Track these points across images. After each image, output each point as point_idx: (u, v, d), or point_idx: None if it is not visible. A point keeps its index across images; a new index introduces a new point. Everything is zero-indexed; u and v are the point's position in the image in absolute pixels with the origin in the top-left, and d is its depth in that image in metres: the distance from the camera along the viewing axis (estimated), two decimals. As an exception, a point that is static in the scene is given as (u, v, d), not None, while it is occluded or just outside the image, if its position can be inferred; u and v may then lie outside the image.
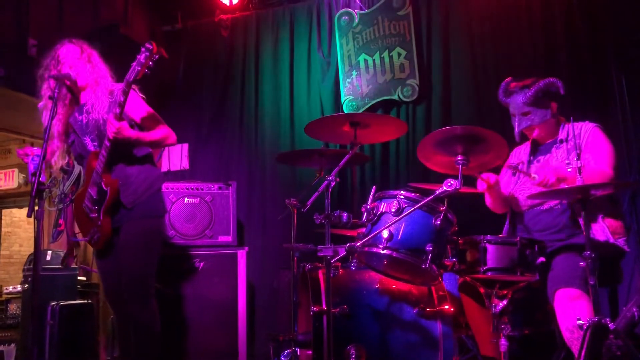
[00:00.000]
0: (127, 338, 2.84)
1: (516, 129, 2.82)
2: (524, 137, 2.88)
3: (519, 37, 4.18)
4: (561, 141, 2.75)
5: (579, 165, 2.24)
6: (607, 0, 3.90)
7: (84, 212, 2.86)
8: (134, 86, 2.83)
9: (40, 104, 2.83)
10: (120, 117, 2.60)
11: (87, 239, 2.84)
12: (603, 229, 2.52)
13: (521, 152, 2.96)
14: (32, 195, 2.37)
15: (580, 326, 2.06)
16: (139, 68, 2.50)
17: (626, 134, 3.71)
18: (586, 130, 2.72)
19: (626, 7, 3.82)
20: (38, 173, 2.42)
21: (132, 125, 2.77)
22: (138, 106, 2.82)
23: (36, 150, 2.73)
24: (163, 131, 2.84)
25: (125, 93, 2.56)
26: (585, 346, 1.98)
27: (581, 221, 2.41)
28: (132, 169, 2.82)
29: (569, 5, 4.04)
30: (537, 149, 2.88)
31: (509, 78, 2.86)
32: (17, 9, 4.24)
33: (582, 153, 2.60)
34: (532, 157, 2.87)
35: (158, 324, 2.79)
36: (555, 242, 2.55)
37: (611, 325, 1.95)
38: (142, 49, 2.47)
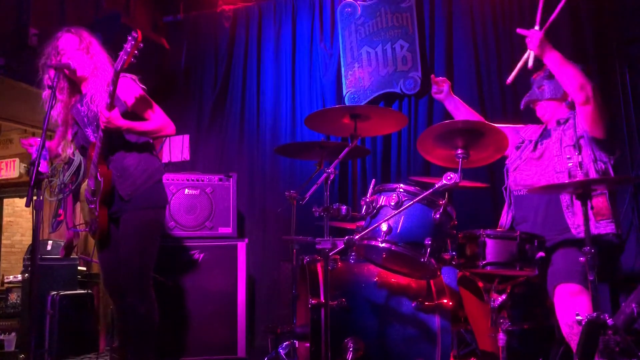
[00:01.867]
0: (126, 328, 2.84)
1: (524, 99, 2.82)
2: (530, 110, 2.87)
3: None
4: (558, 122, 2.72)
5: (579, 160, 2.22)
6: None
7: (87, 204, 2.87)
8: (133, 77, 2.85)
9: (44, 94, 2.82)
10: (111, 106, 2.60)
11: (87, 229, 2.85)
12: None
13: (533, 131, 2.93)
14: (30, 185, 2.37)
15: (579, 322, 2.05)
16: (126, 57, 2.53)
17: (629, 130, 3.69)
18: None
19: (631, 2, 3.78)
20: (37, 163, 2.42)
21: (126, 113, 2.76)
22: (130, 91, 2.80)
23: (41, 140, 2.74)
24: (158, 121, 2.82)
25: (114, 82, 2.57)
26: (580, 341, 1.97)
27: (579, 212, 2.40)
28: (131, 160, 2.81)
29: (573, 1, 4.00)
30: (545, 130, 2.85)
31: None
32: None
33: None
34: (540, 138, 2.82)
35: (156, 315, 2.79)
36: (554, 237, 2.54)
37: (610, 321, 1.94)
38: (129, 38, 2.51)
